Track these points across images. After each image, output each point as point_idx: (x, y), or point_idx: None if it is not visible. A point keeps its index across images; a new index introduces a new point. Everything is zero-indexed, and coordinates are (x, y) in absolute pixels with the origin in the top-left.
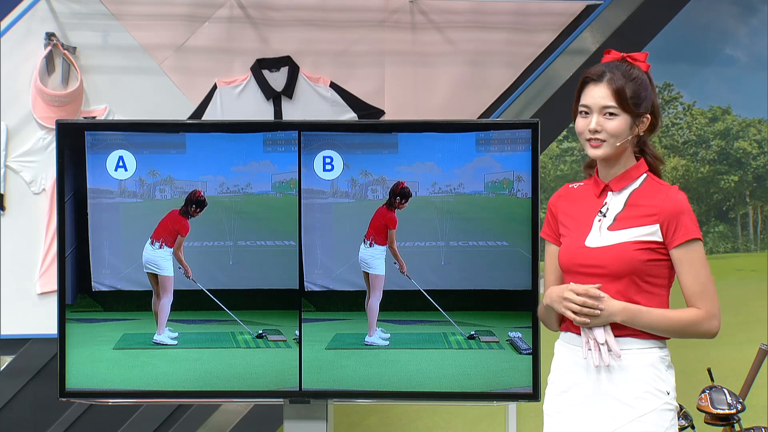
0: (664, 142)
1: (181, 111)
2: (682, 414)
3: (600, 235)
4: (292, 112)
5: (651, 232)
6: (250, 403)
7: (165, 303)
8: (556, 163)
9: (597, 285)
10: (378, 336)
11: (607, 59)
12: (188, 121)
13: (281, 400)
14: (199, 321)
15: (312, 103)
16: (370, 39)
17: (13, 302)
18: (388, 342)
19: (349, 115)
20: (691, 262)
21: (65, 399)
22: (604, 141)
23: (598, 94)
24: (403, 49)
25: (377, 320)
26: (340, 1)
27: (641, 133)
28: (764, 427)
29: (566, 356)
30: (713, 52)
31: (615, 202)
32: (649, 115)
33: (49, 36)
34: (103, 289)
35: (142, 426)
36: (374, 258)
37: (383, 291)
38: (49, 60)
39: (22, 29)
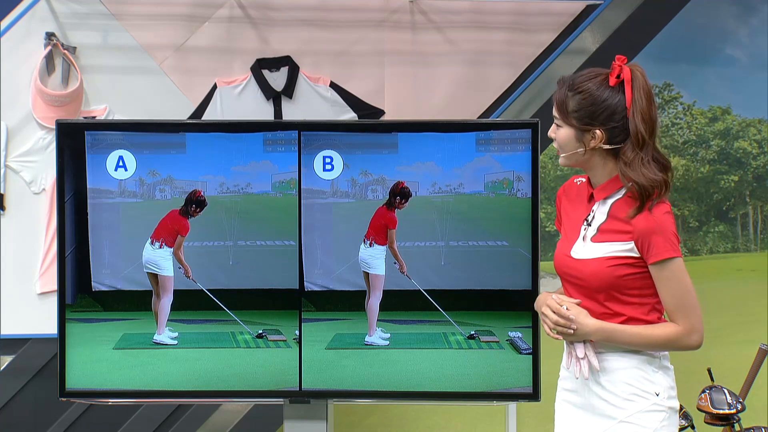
0: (664, 142)
1: (181, 111)
2: (682, 414)
3: (584, 246)
4: (292, 112)
5: (627, 249)
6: (250, 403)
7: (165, 303)
8: (556, 163)
9: (576, 301)
10: (378, 336)
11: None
12: (188, 121)
13: (281, 400)
14: (199, 321)
15: (312, 103)
16: (370, 39)
17: (13, 302)
18: (388, 342)
19: (349, 115)
20: (666, 280)
21: (65, 399)
22: (559, 150)
23: (554, 101)
24: (403, 49)
25: (377, 320)
26: (340, 1)
27: (600, 147)
28: (764, 427)
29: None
30: (713, 52)
31: (599, 212)
32: (599, 131)
33: (49, 36)
34: (103, 289)
35: (142, 426)
36: (374, 258)
37: (383, 291)
38: (49, 60)
39: (22, 29)
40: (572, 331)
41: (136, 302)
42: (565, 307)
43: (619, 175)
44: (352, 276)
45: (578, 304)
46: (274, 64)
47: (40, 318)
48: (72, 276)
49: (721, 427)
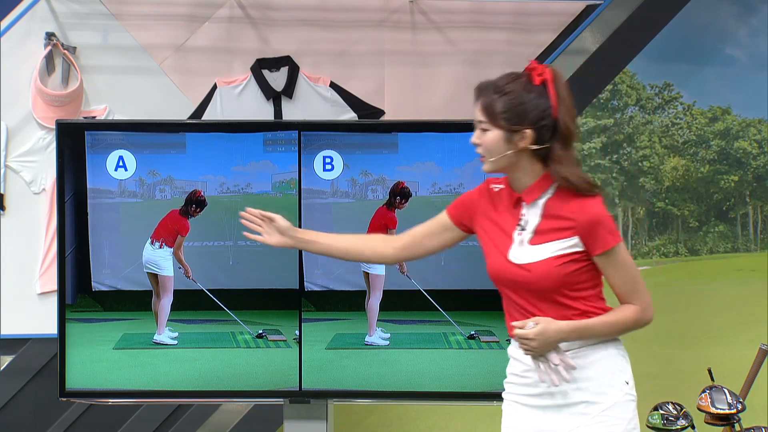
0: (664, 142)
1: (181, 111)
2: (683, 414)
3: (522, 250)
4: (292, 112)
5: (572, 244)
6: (250, 403)
7: (165, 303)
8: None
9: (529, 323)
10: (378, 336)
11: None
12: (188, 121)
13: (281, 400)
14: (199, 321)
15: (312, 103)
16: (370, 39)
17: (13, 302)
18: (388, 342)
19: (349, 115)
20: (615, 267)
21: (65, 399)
22: (484, 156)
23: (475, 109)
24: (403, 49)
25: (377, 320)
26: (340, 1)
27: (528, 147)
28: (764, 427)
29: (522, 361)
30: (713, 52)
31: (531, 215)
32: (529, 131)
33: (49, 36)
34: (103, 289)
35: (142, 426)
36: None
37: (383, 291)
38: (49, 60)
39: (22, 29)
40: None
41: (136, 302)
42: (530, 325)
43: (546, 175)
44: (352, 276)
45: (535, 322)
46: (274, 64)
47: (40, 318)
48: (72, 276)
49: (722, 427)
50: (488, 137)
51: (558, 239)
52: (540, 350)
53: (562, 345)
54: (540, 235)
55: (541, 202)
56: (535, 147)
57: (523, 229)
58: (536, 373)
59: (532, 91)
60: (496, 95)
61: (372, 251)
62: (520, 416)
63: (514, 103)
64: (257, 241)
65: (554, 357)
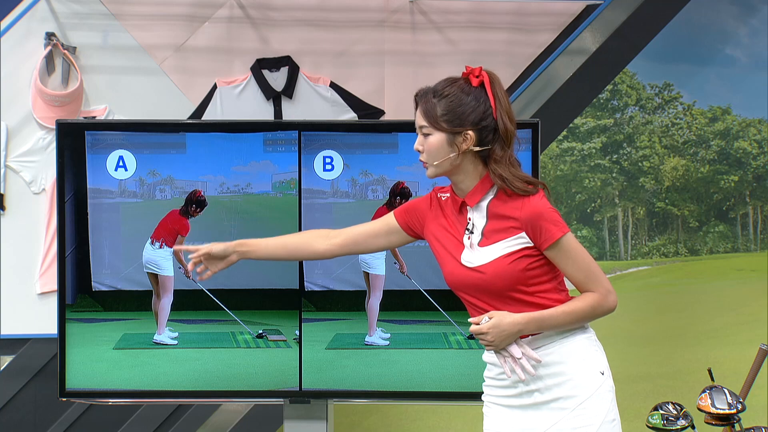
0: (664, 142)
1: (181, 111)
2: (683, 414)
3: (473, 253)
4: (292, 112)
5: (520, 241)
6: (250, 403)
7: (165, 303)
8: (556, 163)
9: (484, 318)
10: (378, 336)
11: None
12: (188, 121)
13: (281, 400)
14: (199, 321)
15: (312, 103)
16: (370, 39)
17: (13, 302)
18: (388, 342)
19: (349, 115)
20: (565, 257)
21: (65, 399)
22: (427, 161)
23: (417, 115)
24: (403, 49)
25: (377, 320)
26: (340, 1)
27: (470, 149)
28: (764, 427)
29: (496, 364)
30: (713, 52)
31: (477, 217)
32: (471, 132)
33: (49, 36)
34: (103, 289)
35: (142, 426)
36: (374, 258)
37: (383, 291)
38: (49, 60)
39: (22, 29)
40: (491, 339)
41: (136, 302)
42: (485, 320)
43: (487, 176)
44: (352, 276)
45: (489, 316)
46: (274, 64)
47: (40, 318)
48: (72, 276)
49: (722, 427)
50: (431, 141)
51: (506, 238)
52: (498, 344)
53: (532, 341)
54: (488, 237)
55: (484, 204)
56: (477, 149)
57: (471, 233)
58: (505, 369)
59: (470, 93)
60: (435, 99)
61: (309, 249)
62: (501, 417)
63: (453, 105)
64: (208, 277)
65: (515, 350)
